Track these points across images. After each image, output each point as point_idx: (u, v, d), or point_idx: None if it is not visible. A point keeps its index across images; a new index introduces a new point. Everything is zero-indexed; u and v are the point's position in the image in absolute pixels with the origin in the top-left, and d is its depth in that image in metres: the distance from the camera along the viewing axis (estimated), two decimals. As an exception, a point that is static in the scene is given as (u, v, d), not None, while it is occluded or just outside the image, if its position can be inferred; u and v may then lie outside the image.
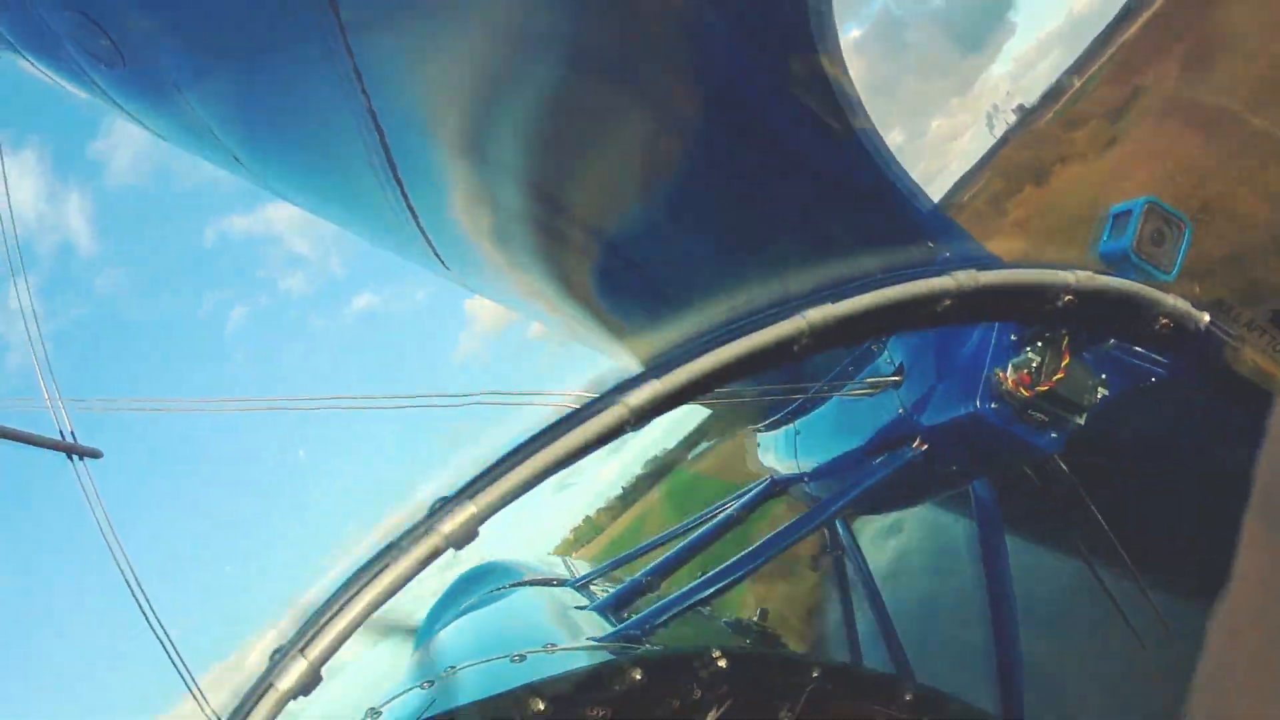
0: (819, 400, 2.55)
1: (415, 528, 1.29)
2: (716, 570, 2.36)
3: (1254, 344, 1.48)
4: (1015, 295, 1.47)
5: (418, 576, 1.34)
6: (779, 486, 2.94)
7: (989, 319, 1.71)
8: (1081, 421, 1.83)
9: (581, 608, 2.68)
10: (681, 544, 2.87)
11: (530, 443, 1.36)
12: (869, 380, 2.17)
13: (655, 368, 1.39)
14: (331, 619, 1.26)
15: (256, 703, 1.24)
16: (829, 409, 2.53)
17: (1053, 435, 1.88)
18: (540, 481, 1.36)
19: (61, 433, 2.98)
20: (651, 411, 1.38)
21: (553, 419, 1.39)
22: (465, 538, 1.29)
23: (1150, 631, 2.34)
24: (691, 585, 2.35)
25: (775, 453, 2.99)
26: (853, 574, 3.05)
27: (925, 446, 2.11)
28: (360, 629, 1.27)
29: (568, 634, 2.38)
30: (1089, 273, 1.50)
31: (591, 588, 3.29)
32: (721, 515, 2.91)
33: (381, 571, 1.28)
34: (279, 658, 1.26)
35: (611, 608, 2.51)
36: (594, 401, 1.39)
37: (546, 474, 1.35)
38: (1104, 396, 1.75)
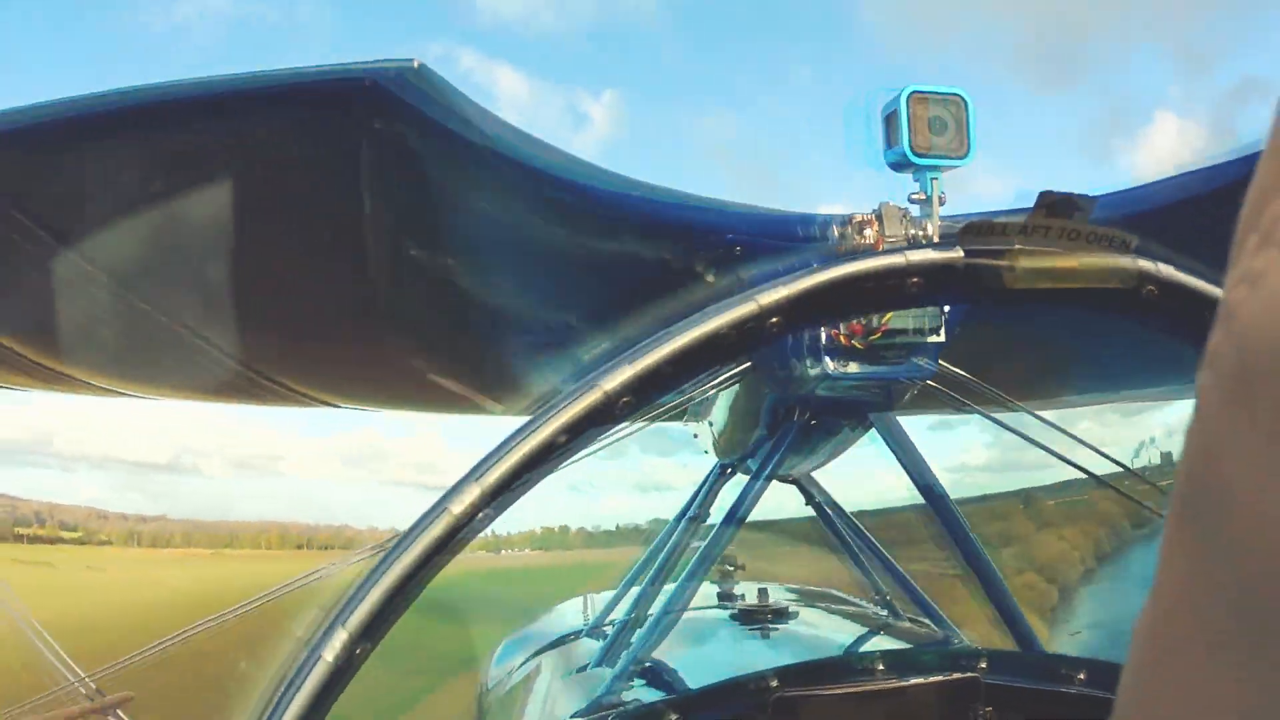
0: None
1: (429, 511, 1.33)
2: (693, 563, 2.36)
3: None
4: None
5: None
6: (727, 469, 2.88)
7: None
8: (939, 339, 1.73)
9: (599, 660, 2.65)
10: (659, 558, 2.87)
11: (518, 432, 1.36)
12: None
13: (627, 353, 1.37)
14: (366, 591, 1.33)
15: (308, 674, 1.28)
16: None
17: (918, 362, 1.79)
18: (537, 469, 1.36)
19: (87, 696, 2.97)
20: (628, 394, 1.35)
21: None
22: (475, 518, 1.32)
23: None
24: (669, 596, 2.32)
25: (705, 439, 3.00)
26: (841, 528, 3.10)
27: (806, 417, 2.14)
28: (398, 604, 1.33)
29: (584, 697, 2.33)
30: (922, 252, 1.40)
31: (605, 627, 3.25)
32: (685, 514, 2.91)
33: (404, 549, 1.32)
34: (321, 630, 1.33)
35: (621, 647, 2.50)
36: (571, 388, 1.37)
37: (540, 461, 1.34)
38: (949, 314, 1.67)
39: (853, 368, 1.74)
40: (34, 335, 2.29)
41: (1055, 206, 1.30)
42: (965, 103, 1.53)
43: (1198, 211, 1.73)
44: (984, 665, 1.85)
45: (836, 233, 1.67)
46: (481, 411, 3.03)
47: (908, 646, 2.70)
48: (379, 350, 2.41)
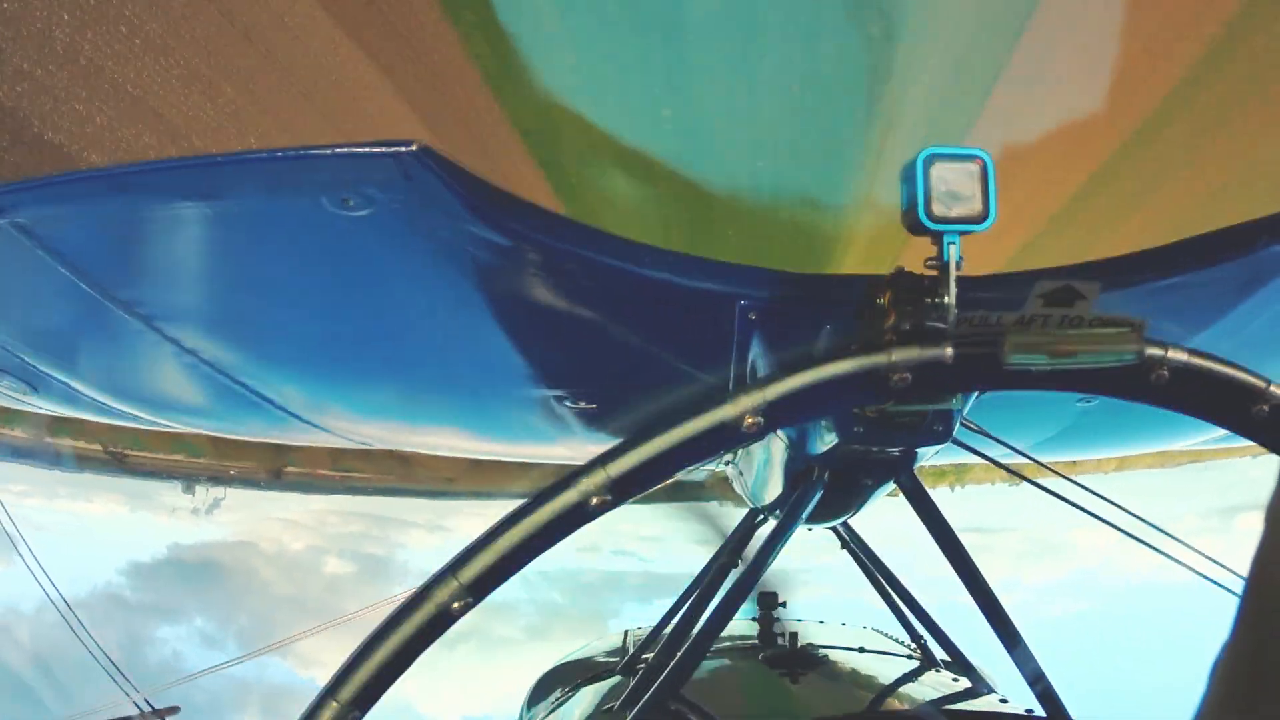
0: None
1: (412, 599, 1.36)
2: (716, 606, 2.37)
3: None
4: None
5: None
6: (758, 515, 2.88)
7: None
8: (957, 404, 1.70)
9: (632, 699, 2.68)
10: (692, 598, 2.91)
11: (512, 516, 1.39)
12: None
13: (634, 438, 1.40)
14: (355, 666, 1.37)
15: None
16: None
17: (937, 428, 1.76)
18: (529, 553, 1.38)
19: (136, 705, 3.14)
20: (606, 493, 1.38)
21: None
22: (459, 606, 1.35)
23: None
24: (699, 630, 2.33)
25: (738, 485, 3.03)
26: (870, 568, 3.09)
27: (826, 474, 2.12)
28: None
29: None
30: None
31: (639, 665, 3.27)
32: (719, 557, 2.95)
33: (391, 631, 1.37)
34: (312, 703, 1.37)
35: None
36: (548, 487, 1.40)
37: (533, 546, 1.37)
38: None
39: (866, 434, 1.72)
40: (84, 372, 2.47)
41: (1055, 296, 1.26)
42: (986, 164, 1.49)
43: (1213, 278, 1.67)
44: None
45: (853, 297, 1.65)
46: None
47: (929, 700, 2.66)
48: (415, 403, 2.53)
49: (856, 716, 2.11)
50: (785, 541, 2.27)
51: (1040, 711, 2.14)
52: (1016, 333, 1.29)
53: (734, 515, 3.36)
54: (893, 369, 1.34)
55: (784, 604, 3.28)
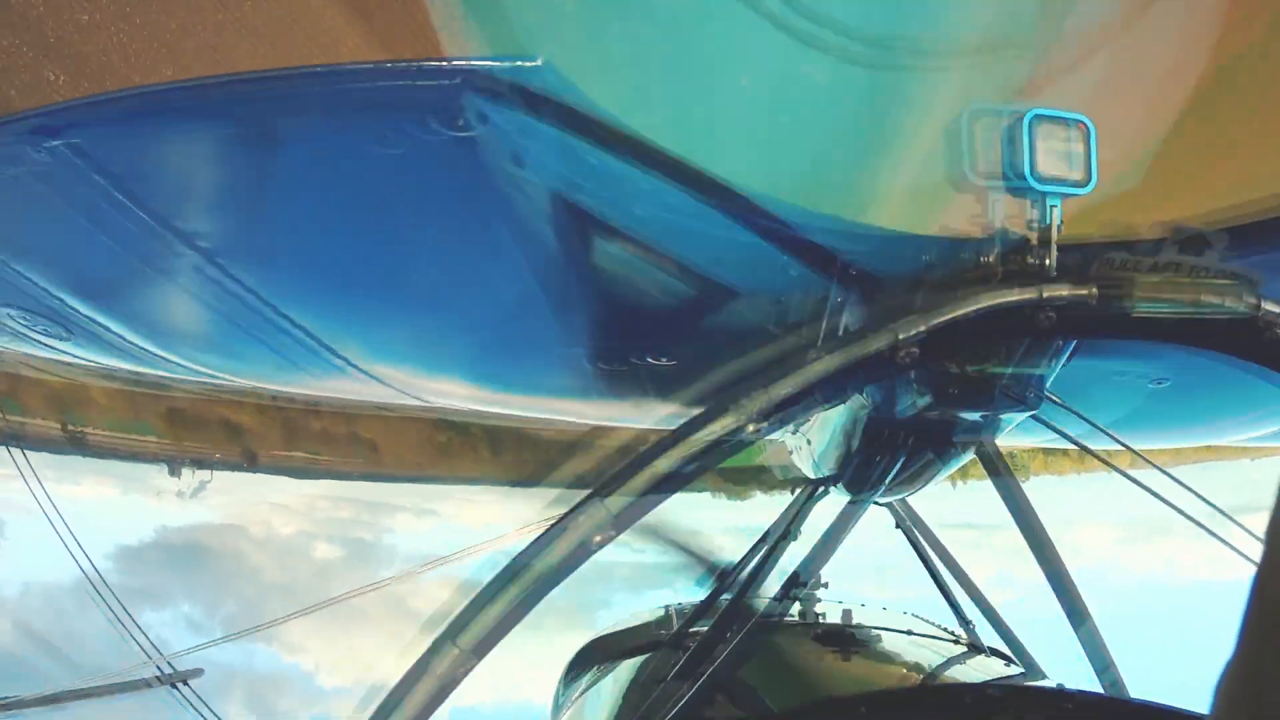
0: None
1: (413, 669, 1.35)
2: (783, 584, 2.35)
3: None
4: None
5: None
6: (818, 487, 2.88)
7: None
8: (1050, 370, 1.72)
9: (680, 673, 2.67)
10: (744, 572, 2.89)
11: (510, 567, 1.37)
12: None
13: (785, 364, 1.42)
14: None
15: None
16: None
17: (1026, 393, 1.78)
18: (530, 602, 1.37)
19: (159, 668, 3.11)
20: (761, 419, 1.41)
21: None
22: (460, 671, 1.35)
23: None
24: (750, 605, 2.32)
25: (800, 456, 3.00)
26: (926, 547, 3.08)
27: (910, 440, 2.12)
28: None
29: (664, 709, 2.36)
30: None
31: (687, 640, 3.26)
32: (772, 532, 2.92)
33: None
34: None
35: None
36: (727, 399, 1.39)
37: (534, 594, 1.36)
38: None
39: (960, 396, 1.72)
40: (128, 313, 2.45)
41: (1189, 243, 1.28)
42: (1089, 130, 1.51)
43: None
44: (1069, 707, 1.82)
45: (951, 258, 1.65)
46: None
47: (991, 681, 2.67)
48: (458, 343, 2.48)
49: (912, 691, 2.11)
50: (861, 513, 2.27)
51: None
52: (1155, 275, 1.31)
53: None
54: (1040, 306, 1.35)
55: (826, 584, 3.28)
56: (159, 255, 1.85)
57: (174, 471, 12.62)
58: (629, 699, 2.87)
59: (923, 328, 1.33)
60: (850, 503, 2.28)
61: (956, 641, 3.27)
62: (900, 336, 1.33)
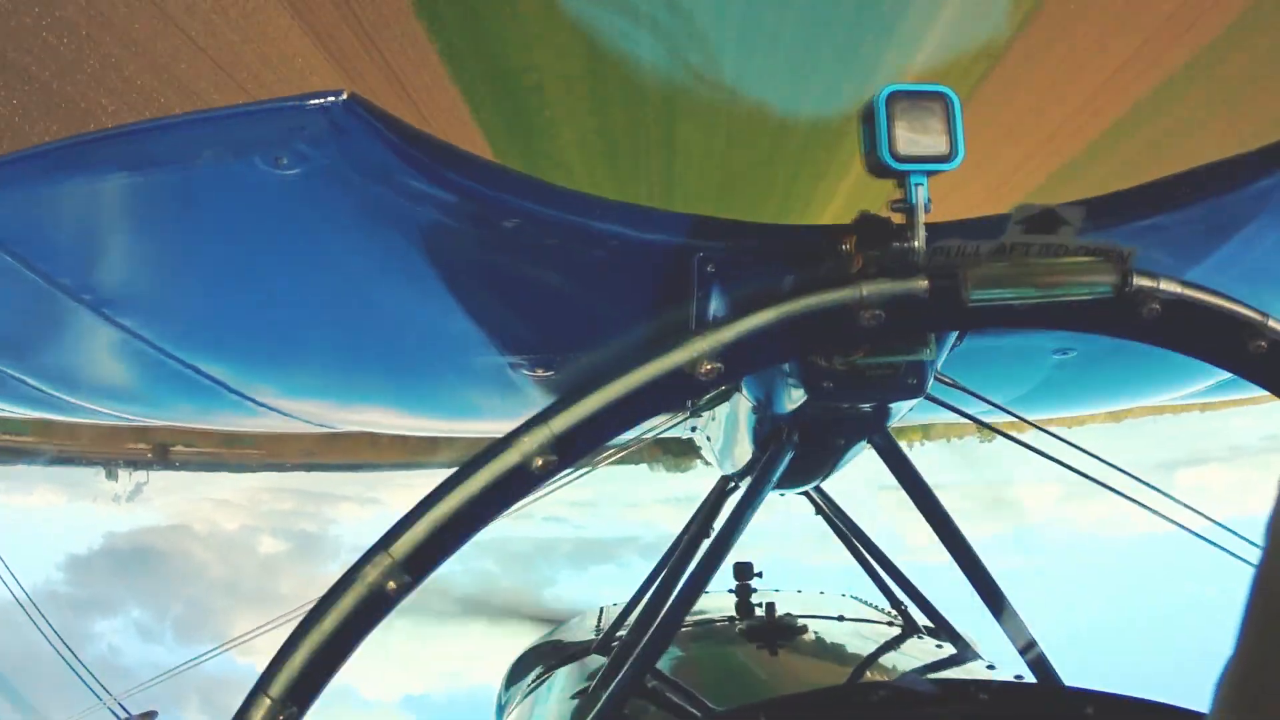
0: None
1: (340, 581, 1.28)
2: (688, 576, 2.30)
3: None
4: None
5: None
6: (729, 482, 2.81)
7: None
8: (931, 355, 1.62)
9: (606, 678, 2.60)
10: (664, 571, 2.84)
11: (446, 484, 1.29)
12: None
13: (579, 390, 1.32)
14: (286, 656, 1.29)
15: None
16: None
17: (910, 381, 1.69)
18: (470, 524, 1.29)
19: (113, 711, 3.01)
20: (550, 453, 1.28)
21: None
22: (394, 586, 1.26)
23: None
24: (670, 605, 2.26)
25: (707, 452, 2.96)
26: (846, 534, 3.06)
27: (795, 436, 2.05)
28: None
29: (590, 715, 2.29)
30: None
31: (614, 643, 3.20)
32: (689, 527, 2.89)
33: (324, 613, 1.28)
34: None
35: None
36: (489, 449, 1.30)
37: (474, 516, 1.28)
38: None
39: (837, 389, 1.64)
40: (37, 366, 2.39)
41: (1035, 222, 1.18)
42: (951, 101, 1.41)
43: (1210, 211, 1.61)
44: (984, 698, 1.76)
45: (817, 248, 1.57)
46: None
47: (914, 669, 2.63)
48: (357, 374, 2.43)
49: (838, 689, 2.04)
50: (755, 509, 2.19)
51: (1030, 678, 2.10)
52: (984, 263, 1.21)
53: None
54: (863, 304, 1.25)
55: (760, 574, 3.21)
56: (56, 314, 1.83)
57: (112, 475, 12.41)
58: (559, 709, 2.80)
59: (720, 339, 1.23)
60: (747, 497, 2.19)
61: (890, 624, 3.22)
62: (697, 351, 1.23)
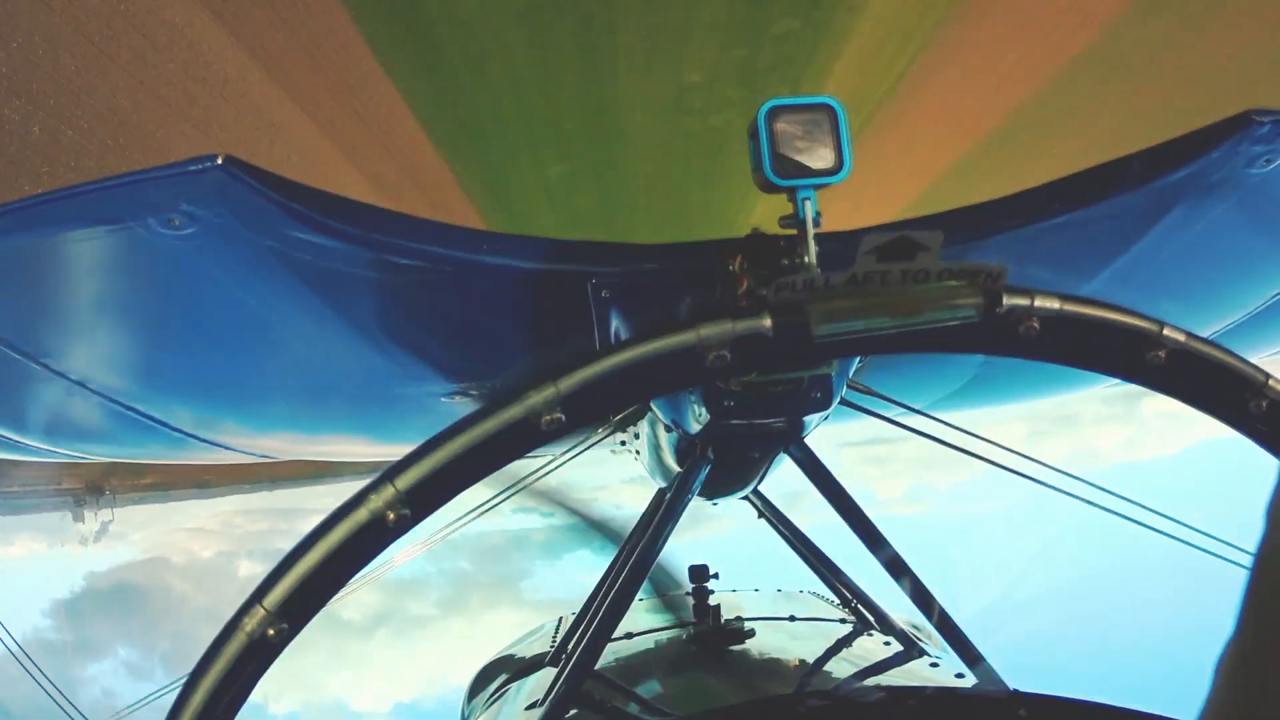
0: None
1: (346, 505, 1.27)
2: (619, 585, 2.29)
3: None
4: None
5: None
6: (666, 493, 2.82)
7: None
8: (827, 369, 1.61)
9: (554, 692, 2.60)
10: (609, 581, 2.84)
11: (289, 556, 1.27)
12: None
13: (423, 448, 1.26)
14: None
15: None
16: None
17: (815, 395, 1.68)
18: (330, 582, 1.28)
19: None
20: (424, 495, 1.24)
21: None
22: (394, 518, 1.24)
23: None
24: (604, 614, 2.26)
25: (642, 464, 2.97)
26: (789, 537, 3.07)
27: (710, 451, 2.05)
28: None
29: None
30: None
31: (564, 655, 3.20)
32: (628, 545, 2.90)
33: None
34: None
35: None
36: (346, 502, 1.28)
37: (331, 576, 1.27)
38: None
39: (739, 408, 1.63)
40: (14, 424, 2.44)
41: (889, 250, 1.15)
42: (836, 111, 1.38)
43: (1102, 219, 1.61)
44: (914, 704, 1.77)
45: (707, 267, 1.55)
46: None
47: (853, 673, 2.64)
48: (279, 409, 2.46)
49: (782, 699, 2.03)
50: (677, 519, 2.19)
51: (969, 674, 2.11)
52: (833, 297, 1.18)
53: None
54: (705, 346, 1.22)
55: (716, 575, 3.19)
56: (10, 374, 1.90)
57: (78, 518, 12.29)
58: None
59: (554, 394, 1.20)
60: (666, 506, 2.18)
61: (844, 621, 3.22)
62: (531, 403, 1.20)
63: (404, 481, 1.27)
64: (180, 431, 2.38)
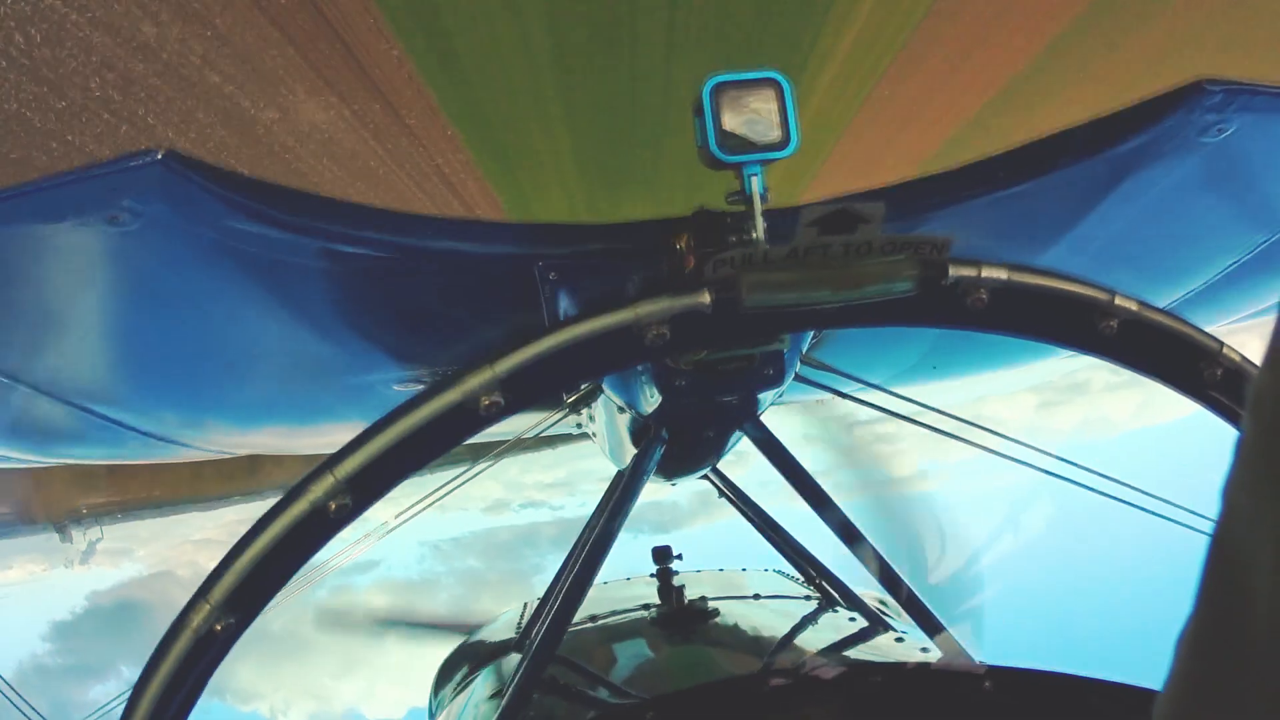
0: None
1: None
2: (577, 569, 2.28)
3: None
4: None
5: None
6: (623, 475, 2.81)
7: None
8: (778, 345, 1.59)
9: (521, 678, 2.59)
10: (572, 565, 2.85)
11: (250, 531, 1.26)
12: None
13: (364, 435, 1.26)
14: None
15: None
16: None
17: (767, 372, 1.65)
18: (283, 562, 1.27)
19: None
20: (365, 483, 1.24)
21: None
22: (336, 507, 1.23)
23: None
24: (563, 598, 2.24)
25: (600, 446, 2.97)
26: (749, 514, 3.08)
27: (664, 431, 2.03)
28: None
29: (510, 717, 2.25)
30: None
31: (529, 640, 3.19)
32: (590, 529, 2.89)
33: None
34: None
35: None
36: (305, 477, 1.26)
37: (288, 553, 1.26)
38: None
39: (690, 387, 1.61)
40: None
41: (830, 222, 1.13)
42: (782, 86, 1.36)
43: (1047, 189, 1.59)
44: (879, 679, 1.76)
45: (658, 245, 1.53)
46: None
47: (820, 650, 2.63)
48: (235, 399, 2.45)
49: (729, 681, 2.01)
50: (634, 500, 2.17)
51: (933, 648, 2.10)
52: (771, 270, 1.16)
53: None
54: (643, 324, 1.20)
55: (680, 556, 3.17)
56: None
57: (65, 539, 12.18)
58: (479, 710, 2.78)
59: (491, 377, 1.19)
60: (624, 488, 2.16)
61: (809, 598, 3.20)
62: (469, 387, 1.19)
63: (343, 470, 1.26)
64: (126, 427, 2.40)
